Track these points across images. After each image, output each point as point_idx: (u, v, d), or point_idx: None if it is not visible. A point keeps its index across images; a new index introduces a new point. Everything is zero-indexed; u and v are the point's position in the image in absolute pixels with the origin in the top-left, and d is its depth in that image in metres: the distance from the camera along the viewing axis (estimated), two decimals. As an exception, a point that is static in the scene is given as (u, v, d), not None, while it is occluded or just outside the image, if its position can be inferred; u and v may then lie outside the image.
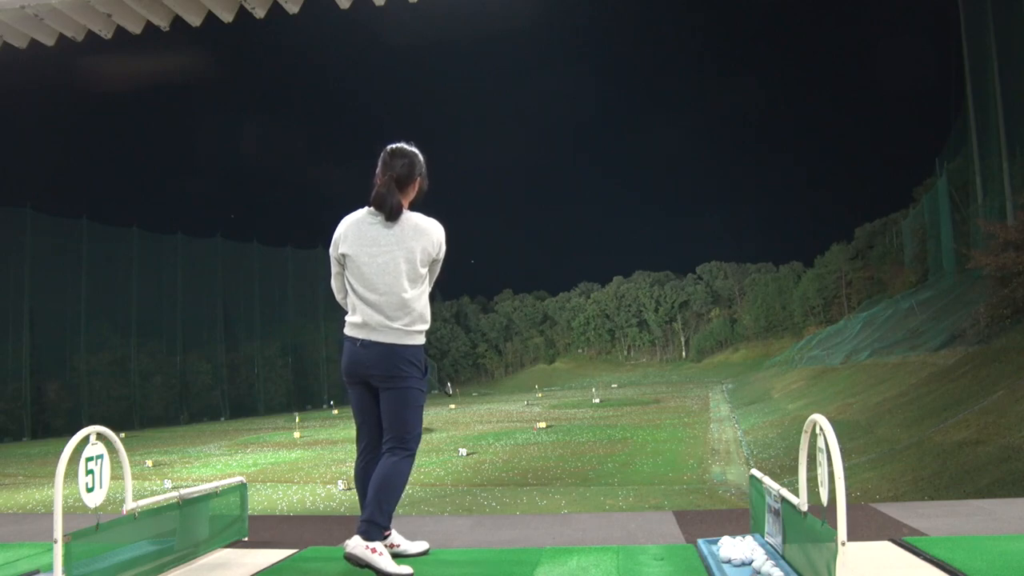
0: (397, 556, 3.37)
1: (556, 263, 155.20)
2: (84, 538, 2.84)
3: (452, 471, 18.46)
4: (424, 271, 3.37)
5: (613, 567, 3.16)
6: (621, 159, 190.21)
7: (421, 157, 3.49)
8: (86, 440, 2.87)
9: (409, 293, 3.31)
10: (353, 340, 3.37)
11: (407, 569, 3.15)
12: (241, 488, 3.96)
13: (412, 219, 3.38)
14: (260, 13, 5.07)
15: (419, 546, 3.54)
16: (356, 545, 3.12)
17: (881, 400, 21.12)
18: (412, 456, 3.33)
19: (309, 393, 65.65)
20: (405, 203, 3.41)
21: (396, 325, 3.31)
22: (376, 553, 3.10)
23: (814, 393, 29.98)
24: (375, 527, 3.15)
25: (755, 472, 3.50)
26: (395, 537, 3.49)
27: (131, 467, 3.29)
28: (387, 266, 3.31)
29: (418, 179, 3.46)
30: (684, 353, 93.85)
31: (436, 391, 71.95)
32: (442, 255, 3.47)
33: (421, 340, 3.38)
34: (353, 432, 3.65)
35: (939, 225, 33.77)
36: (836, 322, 52.50)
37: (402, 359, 3.31)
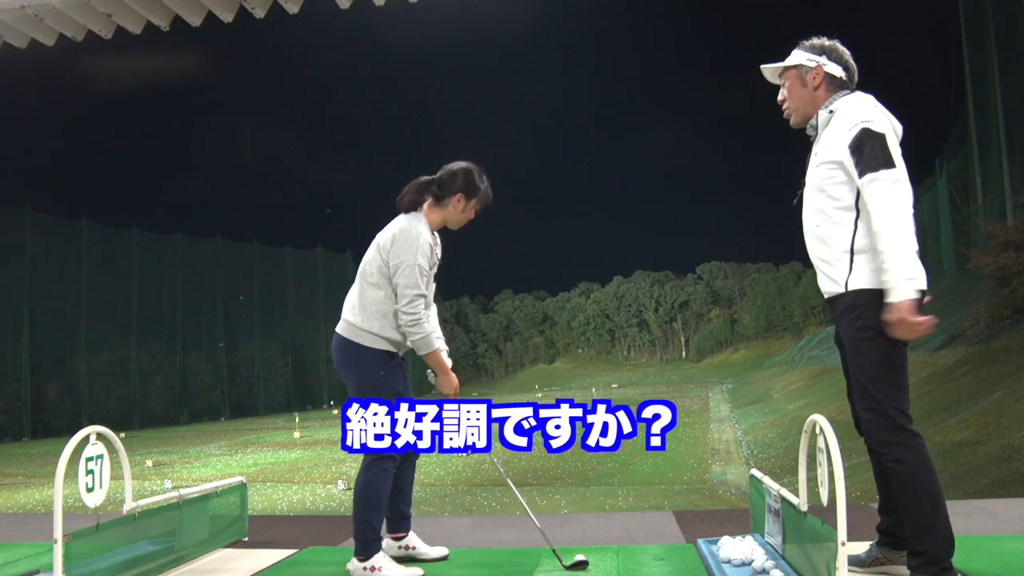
0: (412, 560, 3.32)
1: (556, 263, 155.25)
2: (84, 538, 2.83)
3: (452, 471, 18.45)
4: (384, 270, 3.14)
5: (613, 567, 3.16)
6: (621, 159, 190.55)
7: (467, 174, 3.25)
8: (86, 440, 2.87)
9: (367, 289, 3.18)
10: None
11: (416, 571, 3.13)
12: (241, 488, 3.96)
13: (399, 220, 3.25)
14: (260, 13, 5.08)
15: (438, 551, 3.43)
16: (354, 569, 3.10)
17: (881, 400, 21.06)
18: (373, 462, 3.08)
19: (309, 393, 65.55)
20: (433, 214, 3.26)
21: (349, 316, 3.21)
22: (375, 571, 3.06)
23: (814, 393, 29.96)
24: (362, 543, 3.10)
25: (755, 472, 3.50)
26: (412, 539, 3.41)
27: (131, 467, 3.29)
28: (366, 257, 3.27)
29: (454, 196, 3.23)
30: (684, 353, 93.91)
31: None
32: (397, 260, 3.09)
33: (370, 342, 3.14)
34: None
35: (939, 225, 33.72)
36: (836, 322, 52.45)
37: (346, 353, 3.20)
